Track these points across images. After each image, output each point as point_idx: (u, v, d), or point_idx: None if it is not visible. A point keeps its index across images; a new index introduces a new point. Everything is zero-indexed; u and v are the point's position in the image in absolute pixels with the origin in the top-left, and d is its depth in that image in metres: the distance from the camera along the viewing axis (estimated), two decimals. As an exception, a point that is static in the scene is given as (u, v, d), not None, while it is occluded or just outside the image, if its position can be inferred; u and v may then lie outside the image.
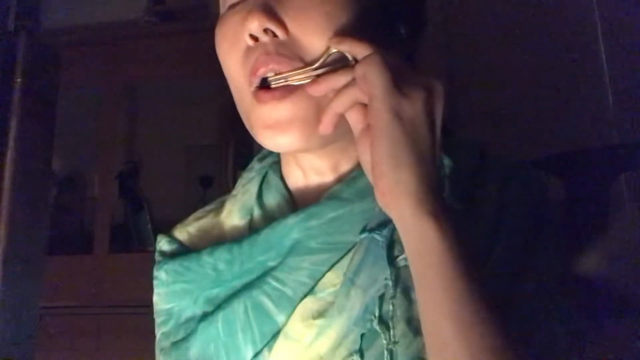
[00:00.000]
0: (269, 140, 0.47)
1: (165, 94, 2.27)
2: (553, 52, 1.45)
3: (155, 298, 0.57)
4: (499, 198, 0.49)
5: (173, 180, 2.18)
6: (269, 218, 0.54)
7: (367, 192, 0.46)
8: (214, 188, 2.03)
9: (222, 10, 0.51)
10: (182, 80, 2.07)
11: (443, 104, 0.42)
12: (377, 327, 0.44)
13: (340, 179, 0.52)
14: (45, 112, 0.82)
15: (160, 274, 0.55)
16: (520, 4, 1.51)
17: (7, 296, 0.70)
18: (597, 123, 1.40)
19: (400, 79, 0.40)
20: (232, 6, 0.49)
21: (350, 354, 0.45)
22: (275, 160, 0.58)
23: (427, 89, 0.41)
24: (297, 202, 0.54)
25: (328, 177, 0.53)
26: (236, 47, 0.48)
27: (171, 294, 0.55)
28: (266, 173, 0.58)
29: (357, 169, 0.50)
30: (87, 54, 2.03)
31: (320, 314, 0.46)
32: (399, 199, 0.40)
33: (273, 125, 0.46)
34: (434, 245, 0.39)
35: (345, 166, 0.52)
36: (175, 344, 0.53)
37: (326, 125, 0.45)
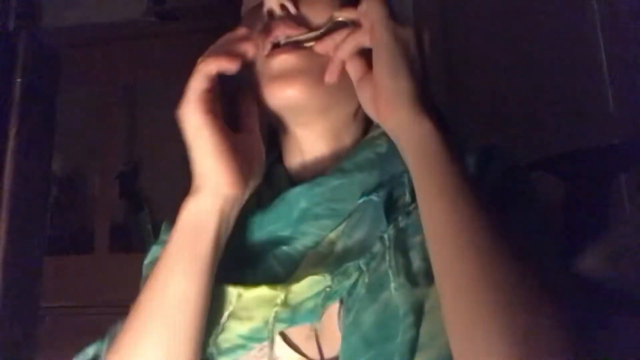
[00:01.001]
0: (277, 91, 0.52)
1: (165, 94, 2.27)
2: (553, 52, 1.45)
3: (148, 259, 0.61)
4: (478, 171, 0.54)
5: (173, 180, 2.17)
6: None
7: (365, 165, 0.54)
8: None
9: (244, 14, 0.60)
10: (182, 80, 2.07)
11: (429, 39, 0.50)
12: (364, 267, 0.48)
13: (337, 160, 0.57)
14: (45, 112, 0.82)
15: (166, 237, 0.57)
16: (520, 4, 1.51)
17: (7, 296, 0.70)
18: (597, 123, 1.40)
19: (395, 16, 0.49)
20: (253, 8, 0.58)
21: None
22: (278, 155, 0.63)
23: (415, 26, 0.49)
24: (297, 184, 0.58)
25: (327, 160, 0.57)
26: (254, 30, 0.55)
27: None
28: (270, 165, 0.62)
29: (354, 148, 0.56)
30: (87, 54, 2.03)
31: (320, 262, 0.51)
32: (398, 104, 0.46)
33: (281, 75, 0.52)
34: (432, 138, 0.45)
35: (341, 149, 0.57)
36: None
37: (332, 73, 0.51)
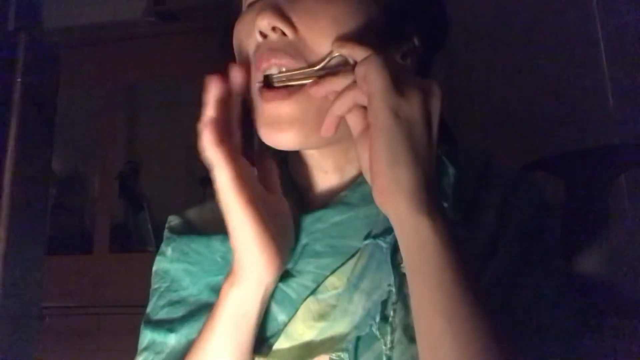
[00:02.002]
0: (270, 137, 0.48)
1: (165, 94, 2.27)
2: (553, 52, 1.45)
3: (155, 268, 0.58)
4: (502, 207, 0.50)
5: (173, 180, 2.18)
6: None
7: (372, 197, 0.47)
8: (213, 188, 2.03)
9: (244, 8, 0.53)
10: (182, 80, 2.07)
11: (440, 105, 0.43)
12: (377, 332, 0.45)
13: (345, 180, 0.53)
14: (45, 112, 0.82)
15: (167, 250, 0.56)
16: (520, 5, 1.51)
17: (7, 296, 0.70)
18: (597, 123, 1.40)
19: (399, 80, 0.42)
20: (251, 5, 0.51)
21: (341, 350, 0.46)
22: (284, 157, 0.58)
23: (425, 90, 0.42)
24: (303, 198, 0.55)
25: (332, 177, 0.53)
26: (248, 44, 0.49)
27: (172, 271, 0.55)
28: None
29: (362, 173, 0.50)
30: (87, 54, 2.04)
31: (322, 316, 0.47)
32: (395, 196, 0.41)
33: (274, 123, 0.47)
34: (429, 242, 0.41)
35: (349, 168, 0.53)
36: (185, 318, 0.53)
37: (328, 127, 0.46)
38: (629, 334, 0.85)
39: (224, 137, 0.43)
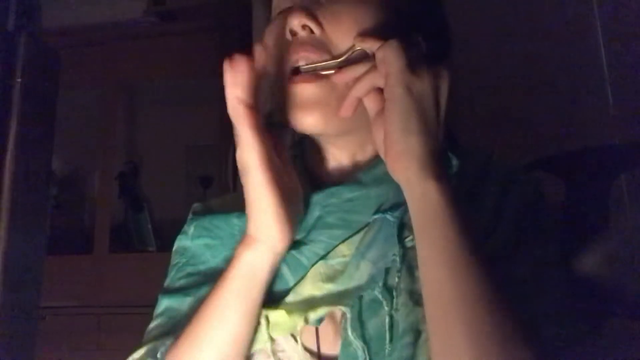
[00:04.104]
0: (297, 118, 0.53)
1: (165, 94, 2.28)
2: (553, 52, 1.45)
3: (175, 246, 0.62)
4: (500, 197, 0.55)
5: (173, 180, 2.18)
6: None
7: (383, 179, 0.53)
8: (214, 188, 2.04)
9: (273, 15, 0.60)
10: (182, 80, 2.07)
11: (448, 86, 0.49)
12: (380, 295, 0.50)
13: (357, 166, 0.58)
14: (45, 112, 0.82)
15: (190, 229, 0.62)
16: (520, 4, 1.51)
17: (7, 296, 0.70)
18: (597, 123, 1.41)
19: (413, 63, 0.48)
20: (280, 13, 0.58)
21: (345, 305, 0.50)
22: (301, 151, 0.63)
23: (435, 72, 0.49)
24: (316, 180, 0.59)
25: (345, 164, 0.59)
26: (279, 44, 0.55)
27: (192, 248, 0.61)
28: (293, 161, 0.63)
29: (375, 159, 0.56)
30: (87, 54, 2.04)
31: (330, 278, 0.52)
32: (407, 162, 0.47)
33: (301, 103, 0.53)
34: (436, 202, 0.46)
35: (361, 156, 0.58)
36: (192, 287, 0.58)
37: (347, 108, 0.52)
38: (629, 334, 0.85)
39: (254, 107, 0.47)
